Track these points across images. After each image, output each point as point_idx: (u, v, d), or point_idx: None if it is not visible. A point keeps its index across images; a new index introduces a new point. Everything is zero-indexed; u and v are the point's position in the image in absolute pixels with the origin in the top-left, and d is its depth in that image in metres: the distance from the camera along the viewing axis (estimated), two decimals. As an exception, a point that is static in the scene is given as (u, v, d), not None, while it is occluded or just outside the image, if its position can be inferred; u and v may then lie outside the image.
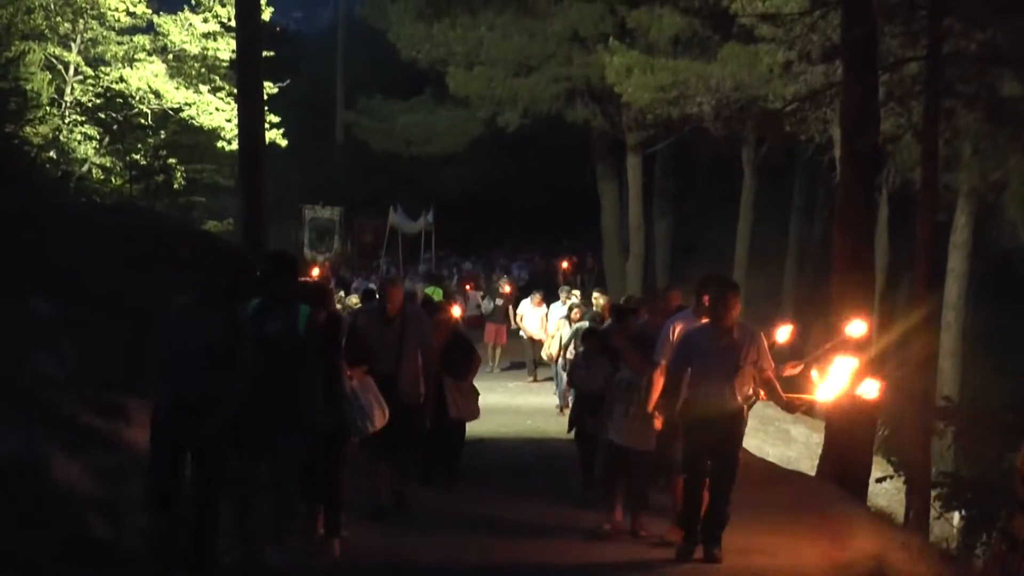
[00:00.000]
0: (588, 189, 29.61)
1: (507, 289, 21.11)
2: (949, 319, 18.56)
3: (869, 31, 11.05)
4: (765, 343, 6.94)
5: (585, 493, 9.10)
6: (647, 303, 11.47)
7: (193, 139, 21.39)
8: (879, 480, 12.32)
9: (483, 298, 22.02)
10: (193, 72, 21.16)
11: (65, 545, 5.61)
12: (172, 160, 21.04)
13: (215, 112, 20.86)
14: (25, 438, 6.20)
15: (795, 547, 7.33)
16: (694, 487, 6.91)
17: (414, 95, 31.31)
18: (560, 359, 14.86)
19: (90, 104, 20.01)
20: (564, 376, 13.48)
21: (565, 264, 31.08)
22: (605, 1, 23.50)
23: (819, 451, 12.22)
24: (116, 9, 19.63)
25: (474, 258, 36.77)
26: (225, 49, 20.74)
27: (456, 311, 13.85)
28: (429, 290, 17.75)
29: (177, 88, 20.57)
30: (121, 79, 20.02)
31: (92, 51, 20.31)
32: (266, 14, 18.84)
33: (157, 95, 20.20)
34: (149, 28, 21.05)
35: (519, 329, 18.97)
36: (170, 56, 20.99)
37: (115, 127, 20.35)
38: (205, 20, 20.91)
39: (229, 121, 20.35)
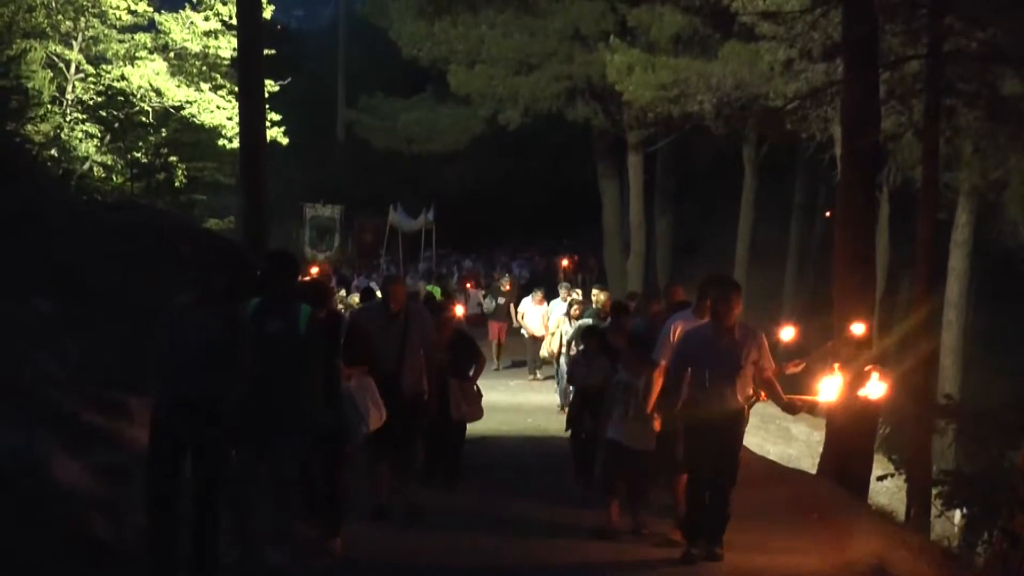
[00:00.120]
0: (589, 187, 29.62)
1: (507, 287, 21.13)
2: (950, 317, 18.57)
3: (870, 29, 11.04)
4: (766, 343, 6.93)
5: (577, 486, 9.13)
6: (636, 298, 11.50)
7: (194, 137, 21.38)
8: (880, 478, 12.31)
9: (485, 297, 22.03)
10: (194, 70, 21.15)
11: (66, 544, 5.62)
12: (173, 158, 21.03)
13: (216, 110, 20.84)
14: (26, 437, 6.20)
15: (796, 545, 7.34)
16: (696, 489, 6.90)
17: (415, 93, 31.31)
18: (561, 357, 14.85)
19: (91, 102, 20.00)
20: (565, 374, 13.47)
21: (565, 262, 31.09)
22: (606, -1, 23.55)
23: (820, 449, 12.23)
24: (117, 7, 19.61)
25: (474, 256, 36.78)
26: (226, 47, 20.73)
27: (459, 310, 13.87)
28: (429, 287, 17.77)
29: (178, 86, 20.56)
30: (122, 77, 20.01)
31: (93, 49, 20.29)
32: (267, 12, 18.83)
33: (158, 93, 20.18)
34: (150, 26, 21.03)
35: (520, 327, 18.99)
36: (171, 54, 20.98)
37: (116, 125, 20.34)
38: (206, 18, 20.90)
39: (230, 119, 20.34)
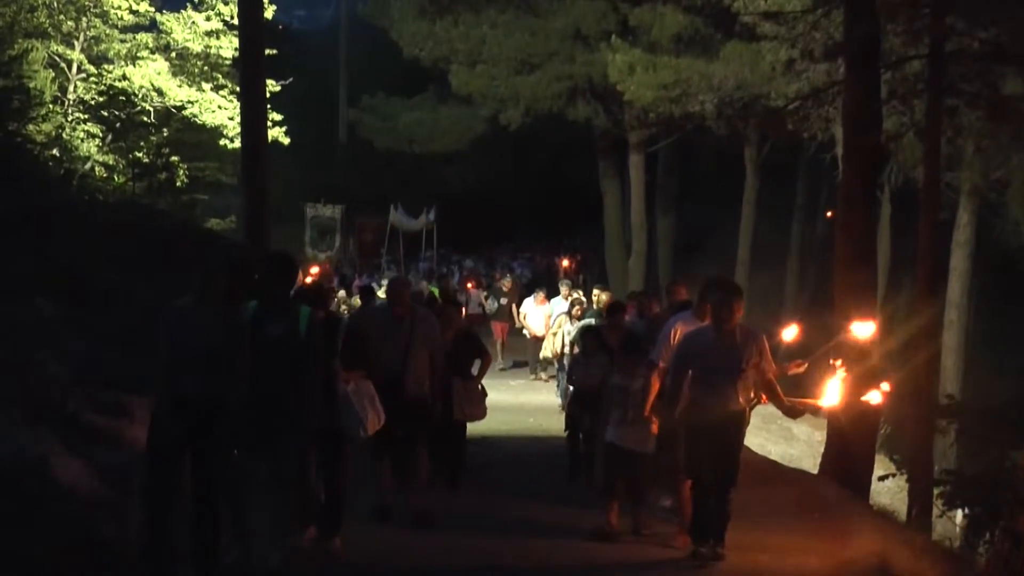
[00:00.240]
0: (590, 187, 29.61)
1: (508, 287, 21.18)
2: (952, 317, 18.56)
3: (871, 29, 11.03)
4: (767, 345, 6.91)
5: (571, 487, 9.13)
6: (635, 298, 11.51)
7: (196, 137, 21.37)
8: (881, 478, 12.30)
9: (487, 298, 22.05)
10: (196, 70, 21.15)
11: (68, 544, 5.62)
12: (175, 158, 21.00)
13: (218, 110, 20.84)
14: (27, 436, 6.21)
15: (798, 545, 7.33)
16: (701, 493, 6.88)
17: (417, 93, 31.29)
18: (564, 358, 14.84)
19: (93, 102, 19.99)
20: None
21: (566, 263, 31.09)
22: (607, -1, 23.55)
23: (821, 449, 12.23)
24: (119, 7, 19.60)
25: (475, 256, 36.78)
26: (228, 47, 20.73)
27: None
28: (431, 288, 17.81)
29: (180, 86, 20.55)
30: (124, 77, 20.00)
31: (95, 49, 20.29)
32: (269, 12, 18.82)
33: (160, 93, 20.18)
34: (152, 26, 21.02)
35: (522, 328, 19.01)
36: (173, 54, 20.97)
37: (118, 125, 20.32)
38: (208, 18, 20.89)
39: (232, 119, 20.33)
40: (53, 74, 19.16)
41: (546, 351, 16.53)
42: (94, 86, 20.00)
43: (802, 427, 16.41)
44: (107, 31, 20.11)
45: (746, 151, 25.07)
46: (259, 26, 14.78)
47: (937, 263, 13.60)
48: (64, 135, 18.90)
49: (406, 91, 31.40)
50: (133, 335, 7.97)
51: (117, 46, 20.35)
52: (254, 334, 5.94)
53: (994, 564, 6.30)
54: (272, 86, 18.89)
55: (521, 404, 16.20)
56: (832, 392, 7.05)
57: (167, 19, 20.88)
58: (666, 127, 22.54)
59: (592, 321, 12.86)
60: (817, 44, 14.21)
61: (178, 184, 21.06)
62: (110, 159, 20.01)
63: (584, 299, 16.19)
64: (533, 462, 11.47)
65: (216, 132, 21.03)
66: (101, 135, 19.82)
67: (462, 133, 29.37)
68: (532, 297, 18.84)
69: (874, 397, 7.14)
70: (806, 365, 7.25)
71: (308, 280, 12.13)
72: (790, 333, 7.63)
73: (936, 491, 11.67)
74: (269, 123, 17.26)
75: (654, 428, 7.39)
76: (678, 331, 7.33)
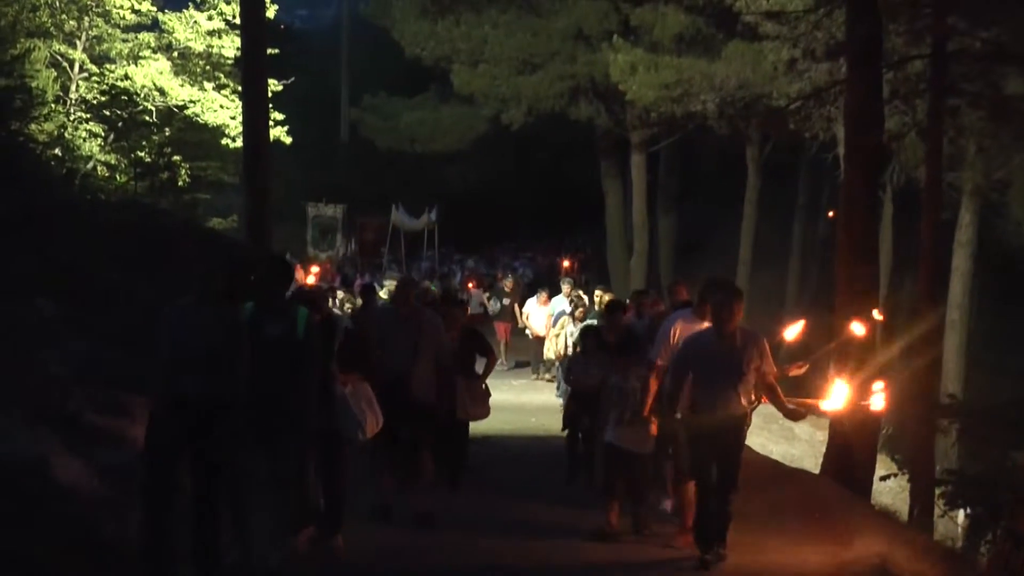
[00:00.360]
0: (591, 187, 29.61)
1: (509, 287, 21.20)
2: (953, 317, 18.55)
3: (873, 29, 11.02)
4: (768, 347, 6.89)
5: (569, 487, 9.12)
6: (637, 298, 11.50)
7: (197, 136, 21.37)
8: (883, 478, 12.29)
9: (489, 299, 22.06)
10: (198, 69, 21.15)
11: (68, 544, 5.62)
12: (176, 157, 21.02)
13: (219, 109, 20.85)
14: (28, 436, 6.21)
15: (799, 545, 7.33)
16: (704, 497, 6.85)
17: (418, 93, 31.30)
18: (566, 359, 14.83)
19: (95, 101, 20.00)
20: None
21: (567, 262, 31.09)
22: (609, -1, 23.54)
23: (823, 449, 12.21)
24: (121, 7, 19.61)
25: (477, 256, 36.78)
26: (230, 47, 20.73)
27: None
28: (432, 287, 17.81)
29: (182, 85, 20.56)
30: (126, 76, 20.01)
31: (97, 48, 20.30)
32: (271, 12, 18.82)
33: (162, 92, 20.19)
34: (154, 26, 21.03)
35: (525, 328, 19.02)
36: (175, 54, 20.98)
37: (120, 124, 20.33)
38: (210, 18, 20.90)
39: (233, 118, 20.33)
40: (55, 73, 19.17)
41: (549, 352, 16.53)
42: (96, 85, 20.01)
43: (804, 427, 16.38)
44: (109, 30, 20.12)
45: (748, 151, 25.07)
46: (261, 25, 14.78)
47: (939, 263, 13.58)
48: (66, 135, 18.91)
49: (408, 91, 31.41)
50: (134, 335, 7.97)
51: (119, 45, 20.36)
52: (253, 335, 5.95)
53: (995, 564, 6.29)
54: (274, 85, 18.90)
55: (523, 404, 16.19)
56: (835, 396, 7.03)
57: (169, 19, 20.89)
58: (668, 127, 22.55)
59: (594, 322, 12.86)
60: (819, 44, 14.20)
61: (180, 184, 21.08)
62: (112, 159, 20.03)
63: (585, 298, 16.19)
64: (534, 462, 11.45)
65: (218, 131, 21.03)
66: (103, 135, 19.83)
67: (464, 133, 29.37)
68: (535, 297, 18.84)
69: (876, 402, 7.11)
70: (807, 367, 7.24)
71: (309, 280, 12.16)
72: (793, 331, 7.60)
73: (938, 491, 11.67)
74: (271, 122, 17.24)
75: (653, 428, 7.38)
76: (678, 329, 7.32)
